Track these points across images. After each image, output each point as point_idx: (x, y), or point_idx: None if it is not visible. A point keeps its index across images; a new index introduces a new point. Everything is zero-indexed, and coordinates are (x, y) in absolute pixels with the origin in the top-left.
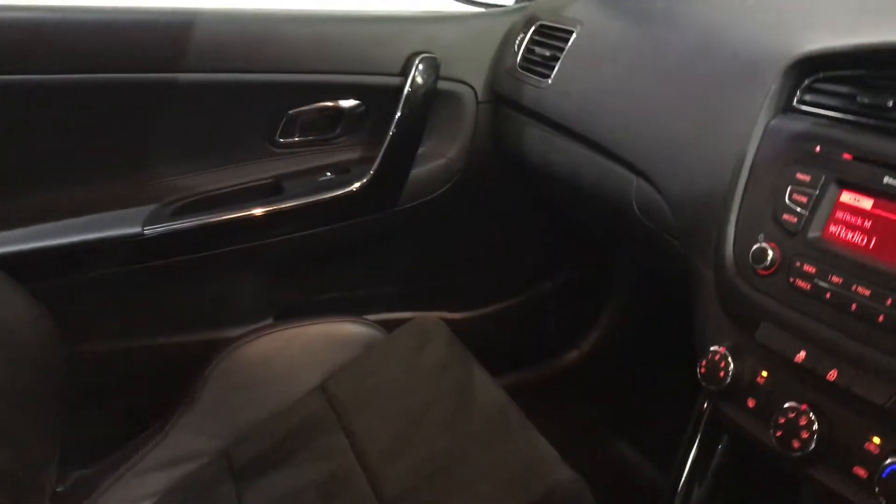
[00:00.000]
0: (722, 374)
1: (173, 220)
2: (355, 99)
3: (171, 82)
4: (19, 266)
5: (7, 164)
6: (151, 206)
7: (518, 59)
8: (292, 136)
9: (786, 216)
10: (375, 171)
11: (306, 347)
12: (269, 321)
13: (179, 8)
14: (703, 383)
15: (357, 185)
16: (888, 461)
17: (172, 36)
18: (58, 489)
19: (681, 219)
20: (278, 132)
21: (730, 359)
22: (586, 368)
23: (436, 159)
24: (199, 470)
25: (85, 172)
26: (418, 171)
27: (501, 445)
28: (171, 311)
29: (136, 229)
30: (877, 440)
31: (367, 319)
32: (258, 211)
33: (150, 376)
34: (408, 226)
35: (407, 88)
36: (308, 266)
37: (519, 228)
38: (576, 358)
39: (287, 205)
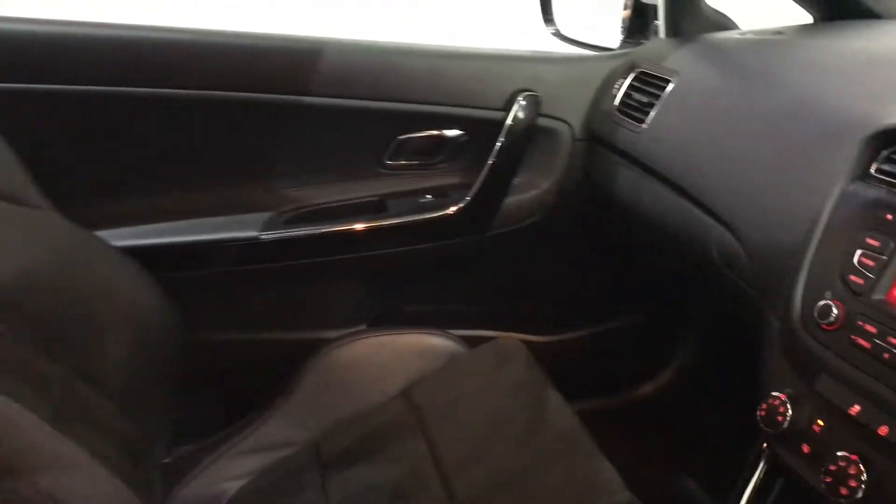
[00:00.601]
0: (780, 418)
1: (287, 228)
2: (459, 129)
3: (296, 104)
4: (152, 258)
5: (151, 166)
6: (268, 214)
7: (616, 103)
8: (399, 159)
9: (853, 277)
10: (472, 197)
11: (394, 355)
12: (363, 327)
13: (309, 36)
14: (762, 426)
15: (454, 208)
16: None
17: (302, 62)
18: (165, 460)
19: (757, 268)
20: (387, 155)
21: (789, 405)
22: (658, 402)
23: (529, 190)
24: (290, 457)
25: (214, 179)
26: (512, 200)
27: (568, 465)
28: (278, 310)
29: (254, 233)
30: None
31: (451, 334)
32: (363, 226)
33: (253, 367)
34: (497, 250)
35: (508, 122)
36: (402, 279)
37: (603, 262)
38: (650, 391)
39: (389, 222)
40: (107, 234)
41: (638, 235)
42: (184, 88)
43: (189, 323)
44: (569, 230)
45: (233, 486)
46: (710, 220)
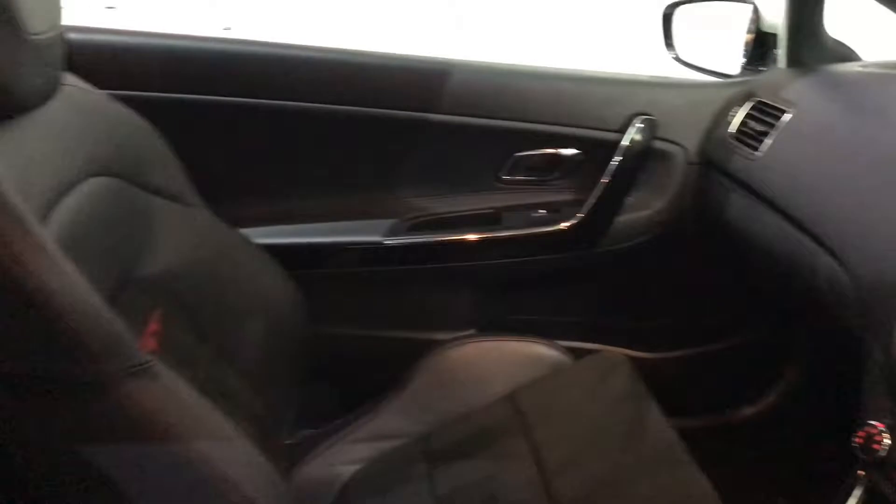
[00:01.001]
0: (877, 447)
1: (408, 235)
2: (575, 149)
3: (424, 120)
4: (286, 255)
5: (291, 173)
6: (392, 221)
7: (731, 129)
8: (516, 175)
9: None
10: (584, 214)
11: (502, 359)
12: (473, 331)
13: (439, 58)
14: (859, 453)
15: (566, 224)
16: None
17: (432, 82)
18: (288, 441)
19: (863, 300)
20: (504, 170)
21: (886, 435)
22: (758, 425)
23: (640, 210)
24: (400, 448)
25: (345, 186)
26: (623, 219)
27: (666, 476)
28: (396, 310)
29: (378, 238)
30: None
31: (557, 344)
32: (477, 236)
33: (370, 362)
34: (606, 266)
35: (625, 143)
36: (512, 289)
37: (709, 284)
38: (750, 414)
39: (502, 234)
40: (249, 232)
41: (746, 260)
42: (326, 103)
43: (315, 317)
44: (678, 251)
45: (347, 471)
46: (818, 250)
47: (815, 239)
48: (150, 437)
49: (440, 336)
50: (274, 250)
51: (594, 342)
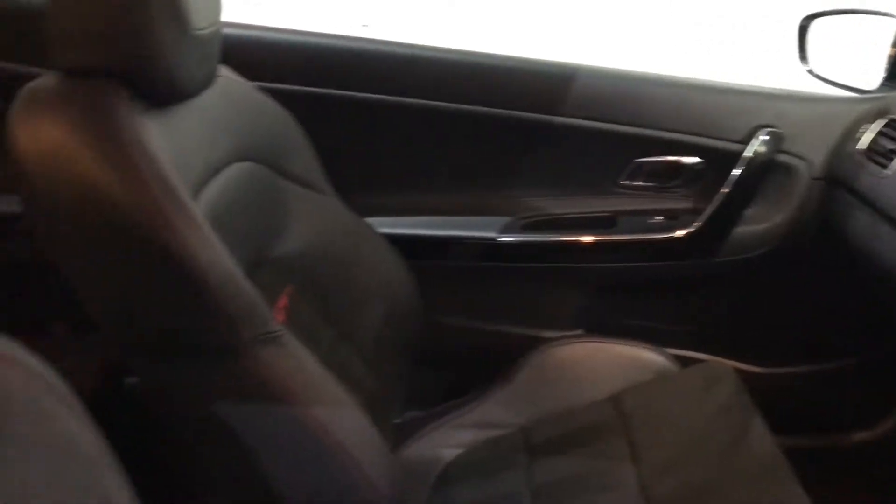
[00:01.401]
0: None
1: (522, 233)
2: (697, 157)
3: (547, 123)
4: (406, 246)
5: (415, 168)
6: (507, 219)
7: (861, 146)
8: (635, 180)
9: None
10: (702, 223)
11: (607, 361)
12: (581, 332)
13: (565, 62)
14: None
15: (683, 231)
16: None
17: (557, 85)
18: (396, 421)
19: None
20: (623, 175)
21: None
22: (869, 451)
23: (760, 222)
24: (502, 437)
25: (465, 183)
26: (741, 230)
27: (765, 490)
28: (506, 306)
29: (493, 234)
30: None
31: (665, 350)
32: (592, 238)
33: (477, 353)
34: (721, 277)
35: (748, 155)
36: (624, 293)
37: (826, 301)
38: (864, 438)
39: (617, 237)
40: (374, 221)
41: (867, 278)
42: (452, 102)
43: (428, 306)
44: (795, 265)
45: (450, 454)
46: None
47: None
48: (274, 401)
49: (547, 334)
50: (395, 240)
51: (701, 351)
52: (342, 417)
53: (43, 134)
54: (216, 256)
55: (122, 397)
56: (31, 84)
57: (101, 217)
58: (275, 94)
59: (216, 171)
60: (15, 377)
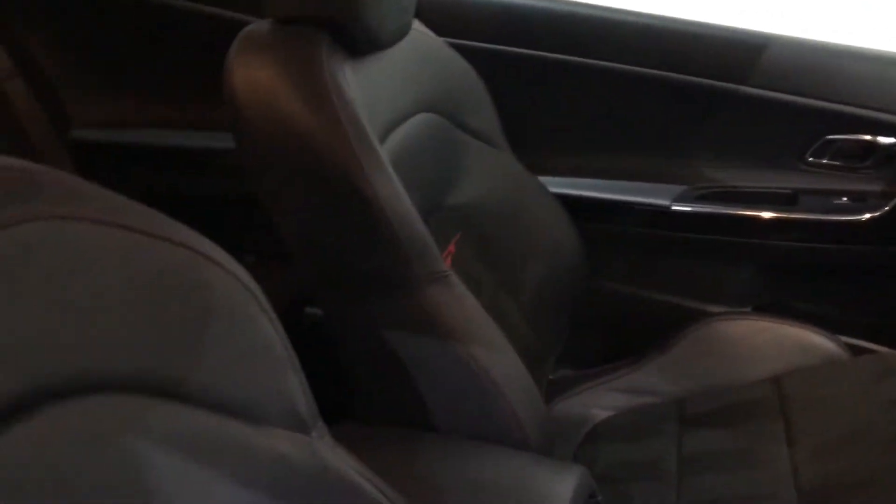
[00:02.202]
0: None
1: (697, 203)
2: (894, 138)
3: (733, 91)
4: (575, 207)
5: (590, 130)
6: (682, 187)
7: None
8: (822, 158)
9: None
10: (891, 208)
11: (774, 341)
12: (748, 310)
13: (756, 30)
14: None
15: (868, 215)
16: None
17: (747, 53)
18: (550, 376)
19: None
20: (810, 152)
21: None
22: None
23: None
24: (655, 405)
25: (640, 148)
26: None
27: None
28: (672, 276)
29: (666, 202)
30: None
31: (836, 337)
32: (770, 215)
33: (637, 320)
34: None
35: None
36: (798, 274)
37: None
38: None
39: (797, 215)
40: (545, 180)
41: None
42: (635, 66)
43: (591, 269)
44: None
45: (600, 414)
46: None
47: None
48: (440, 337)
49: (712, 308)
50: (565, 200)
51: (877, 344)
52: (501, 362)
53: (254, 75)
54: (398, 198)
55: (302, 324)
56: (246, 29)
57: (301, 154)
58: (462, 49)
59: (402, 119)
60: (222, 278)
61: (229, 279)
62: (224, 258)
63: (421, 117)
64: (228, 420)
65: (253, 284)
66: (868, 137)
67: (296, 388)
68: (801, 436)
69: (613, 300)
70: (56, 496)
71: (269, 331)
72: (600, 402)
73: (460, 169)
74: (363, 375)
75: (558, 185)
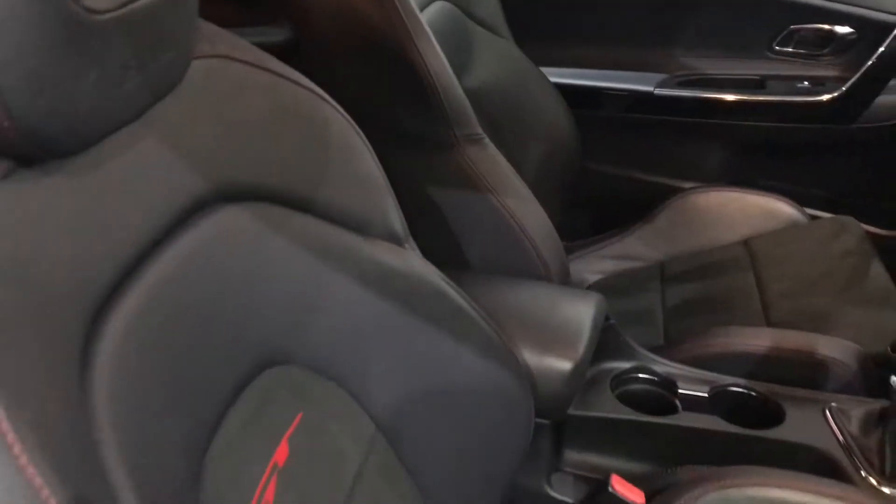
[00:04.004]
0: None
1: (677, 89)
2: (850, 27)
3: None
4: (571, 94)
5: (584, 24)
6: (663, 75)
7: None
8: (787, 46)
9: None
10: (847, 90)
11: (743, 209)
12: (720, 188)
13: None
14: None
15: (827, 96)
16: None
17: None
18: None
19: None
20: (777, 41)
21: None
22: None
23: None
24: (640, 268)
25: (626, 40)
26: (883, 99)
27: (876, 315)
28: (655, 156)
29: (650, 88)
30: None
31: (797, 205)
32: (740, 97)
33: (623, 197)
34: (858, 143)
35: None
36: (765, 153)
37: None
38: None
39: (764, 98)
40: (546, 70)
41: None
42: None
43: (585, 152)
44: None
45: (592, 277)
46: None
47: None
48: (476, 188)
49: (686, 184)
50: (560, 88)
51: (834, 213)
52: (528, 210)
53: None
54: (442, 66)
55: None
56: None
57: (361, 33)
58: None
59: (422, 7)
60: (337, 117)
61: (341, 118)
62: (335, 102)
63: (437, 6)
64: (345, 232)
65: (356, 125)
66: (827, 27)
67: (392, 209)
68: (769, 283)
69: (602, 180)
70: (232, 280)
71: (371, 162)
72: (592, 267)
73: (470, 55)
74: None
75: (554, 75)
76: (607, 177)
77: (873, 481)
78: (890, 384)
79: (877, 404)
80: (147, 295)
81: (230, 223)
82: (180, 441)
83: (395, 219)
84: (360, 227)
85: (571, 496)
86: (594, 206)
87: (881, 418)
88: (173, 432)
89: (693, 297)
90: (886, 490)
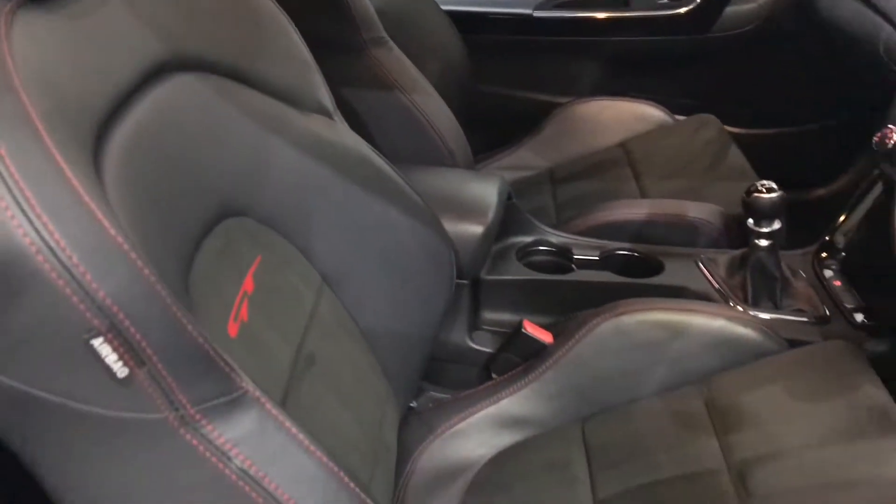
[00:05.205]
0: (888, 141)
1: (554, 10)
2: None
3: None
4: (460, 20)
5: None
6: None
7: None
8: None
9: None
10: (700, 2)
11: (618, 116)
12: (597, 98)
13: None
14: (875, 147)
15: (684, 9)
16: None
17: None
18: None
19: None
20: None
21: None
22: (826, 205)
23: (748, 3)
24: (532, 176)
25: None
26: (733, 9)
27: (736, 186)
28: (537, 74)
29: (529, 11)
30: None
31: (663, 107)
32: (604, 15)
33: (512, 115)
34: (713, 51)
35: None
36: (635, 66)
37: (798, 74)
38: (821, 195)
39: (628, 14)
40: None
41: (830, 46)
42: None
43: (476, 76)
44: (776, 40)
45: None
46: (882, 23)
47: (883, 16)
48: (385, 88)
49: (565, 99)
50: (450, 14)
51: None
52: (433, 105)
53: None
54: None
55: None
56: None
57: None
58: None
59: None
60: (268, 3)
61: (272, 4)
62: None
63: None
64: (282, 104)
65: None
66: None
67: (320, 84)
68: (644, 173)
69: (493, 99)
70: (201, 136)
71: (297, 38)
72: None
73: None
74: None
75: (444, 3)
76: (497, 96)
77: (740, 308)
78: (747, 226)
79: (739, 253)
80: (129, 138)
81: (185, 89)
82: (172, 252)
83: (324, 94)
84: (294, 101)
85: (490, 347)
86: (487, 125)
87: (742, 262)
88: (166, 242)
89: (580, 193)
90: (751, 312)
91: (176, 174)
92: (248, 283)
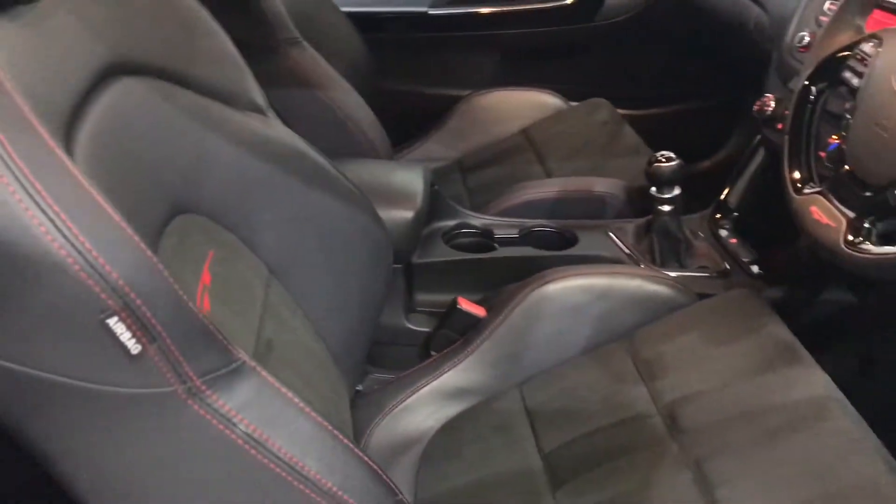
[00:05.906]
0: (767, 108)
1: (448, 7)
2: None
3: None
4: (361, 21)
5: None
6: None
7: None
8: None
9: (822, 17)
10: None
11: (518, 105)
12: (496, 90)
13: None
14: (755, 115)
15: (569, 0)
16: None
17: None
18: None
19: (773, 26)
20: None
21: (773, 101)
22: (710, 176)
23: None
24: (441, 167)
25: None
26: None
27: (633, 164)
28: (437, 69)
29: (424, 9)
30: None
31: (559, 95)
32: (497, 9)
33: (417, 110)
34: (599, 39)
35: None
36: (529, 56)
37: (678, 56)
38: (706, 166)
39: (517, 7)
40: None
41: (706, 28)
42: None
43: (379, 73)
44: (657, 25)
45: None
46: (752, 4)
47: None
48: (303, 86)
49: (466, 92)
50: (352, 16)
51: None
52: (351, 101)
53: None
54: None
55: None
56: None
57: None
58: None
59: None
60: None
61: (198, 4)
62: None
63: None
64: (220, 104)
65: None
66: None
67: (251, 83)
68: (547, 156)
69: (396, 96)
70: (130, 140)
71: (227, 41)
72: None
73: None
74: None
75: (345, 4)
76: (400, 93)
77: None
78: (650, 194)
79: (644, 220)
80: (89, 140)
81: (131, 92)
82: None
83: (256, 92)
84: (229, 100)
85: (427, 327)
86: (392, 121)
87: (648, 228)
88: None
89: (489, 179)
90: (663, 271)
91: (131, 174)
92: (206, 276)
